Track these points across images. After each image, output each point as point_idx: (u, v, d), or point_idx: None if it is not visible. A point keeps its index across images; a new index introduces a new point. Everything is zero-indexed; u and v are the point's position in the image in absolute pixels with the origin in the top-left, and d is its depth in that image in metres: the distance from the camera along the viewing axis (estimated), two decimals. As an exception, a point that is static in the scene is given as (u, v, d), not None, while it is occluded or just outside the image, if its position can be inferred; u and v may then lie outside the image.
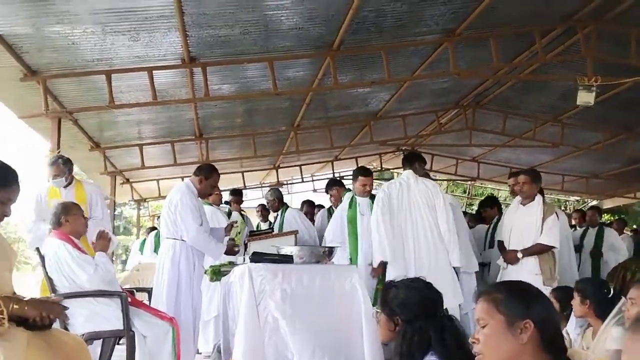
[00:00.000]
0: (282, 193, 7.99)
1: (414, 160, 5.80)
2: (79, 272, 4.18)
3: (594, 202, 15.22)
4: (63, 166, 5.53)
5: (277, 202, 7.55)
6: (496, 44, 6.46)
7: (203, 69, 6.19)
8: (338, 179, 9.33)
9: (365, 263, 5.51)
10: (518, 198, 5.59)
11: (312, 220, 8.10)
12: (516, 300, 1.88)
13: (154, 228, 10.99)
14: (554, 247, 5.29)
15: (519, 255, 5.30)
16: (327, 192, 7.53)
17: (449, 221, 5.42)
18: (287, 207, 7.64)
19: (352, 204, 5.84)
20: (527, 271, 5.19)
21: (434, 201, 5.45)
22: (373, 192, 5.87)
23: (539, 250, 5.27)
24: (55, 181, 5.50)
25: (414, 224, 5.40)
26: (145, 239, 10.34)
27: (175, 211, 5.02)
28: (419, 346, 2.49)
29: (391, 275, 5.03)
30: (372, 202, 5.67)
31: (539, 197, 5.48)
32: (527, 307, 1.86)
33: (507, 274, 5.40)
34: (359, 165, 7.76)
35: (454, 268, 5.38)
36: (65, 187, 5.55)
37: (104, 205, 5.92)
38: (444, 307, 2.72)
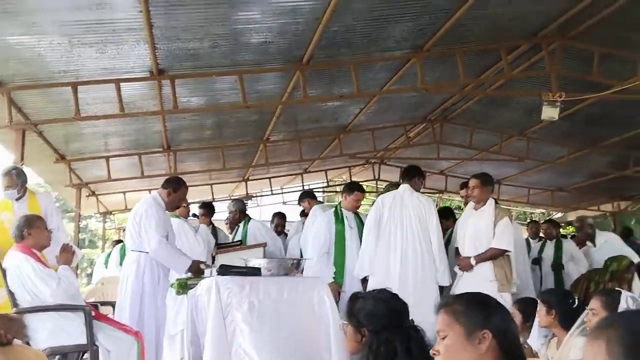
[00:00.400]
0: (245, 204, 7.93)
1: (413, 175, 5.80)
2: (41, 287, 4.13)
3: (559, 215, 15.51)
4: (16, 178, 5.34)
5: (239, 214, 7.50)
6: (463, 60, 6.58)
7: (172, 81, 6.18)
8: (310, 191, 9.36)
9: (352, 276, 5.58)
10: (471, 204, 5.54)
11: (284, 233, 8.10)
12: (475, 311, 1.93)
13: (119, 241, 10.89)
14: (507, 250, 5.21)
15: (472, 262, 5.25)
16: (299, 203, 7.54)
17: (440, 239, 5.46)
18: (250, 218, 7.63)
19: (340, 217, 5.84)
20: (482, 278, 5.12)
21: (426, 218, 5.46)
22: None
23: (492, 255, 5.19)
24: (7, 192, 5.31)
25: (403, 238, 5.38)
26: (110, 252, 10.22)
27: (140, 222, 4.97)
28: (385, 357, 2.52)
29: (372, 287, 5.04)
30: (357, 217, 5.85)
31: (491, 201, 5.43)
32: (485, 317, 1.91)
33: (463, 281, 5.35)
34: (351, 181, 7.66)
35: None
36: (17, 199, 5.37)
37: (59, 215, 5.76)
38: (410, 318, 2.76)
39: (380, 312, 2.66)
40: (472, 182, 5.46)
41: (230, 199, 14.50)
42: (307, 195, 7.75)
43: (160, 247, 4.90)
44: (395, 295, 2.85)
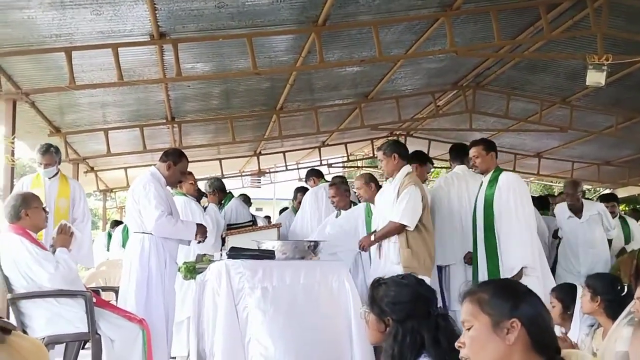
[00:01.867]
0: (222, 182, 8.02)
1: (464, 154, 5.86)
2: (38, 271, 4.20)
3: (607, 191, 15.39)
4: (55, 156, 5.93)
5: (218, 193, 7.57)
6: (497, 19, 6.50)
7: (174, 45, 6.18)
8: (317, 169, 9.32)
9: None
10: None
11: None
12: (501, 299, 1.94)
13: (118, 222, 11.07)
14: (405, 225, 4.95)
15: (371, 237, 5.14)
16: (306, 181, 7.62)
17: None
18: (232, 196, 7.70)
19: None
20: (389, 260, 4.99)
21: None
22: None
23: (388, 230, 4.99)
24: (46, 170, 5.89)
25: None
26: (110, 233, 10.39)
27: (138, 201, 5.02)
28: (411, 348, 2.53)
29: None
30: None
31: (405, 169, 5.21)
32: (513, 305, 1.92)
33: (374, 265, 5.27)
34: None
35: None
36: (50, 178, 5.88)
37: (87, 205, 6.06)
38: (438, 306, 2.78)
39: (406, 299, 2.66)
40: (474, 151, 5.35)
41: (241, 176, 14.67)
42: (313, 174, 7.84)
43: (160, 222, 4.91)
44: (421, 280, 2.85)
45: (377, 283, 2.82)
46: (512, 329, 1.88)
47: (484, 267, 5.10)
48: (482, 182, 5.39)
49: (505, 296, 1.95)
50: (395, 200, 5.00)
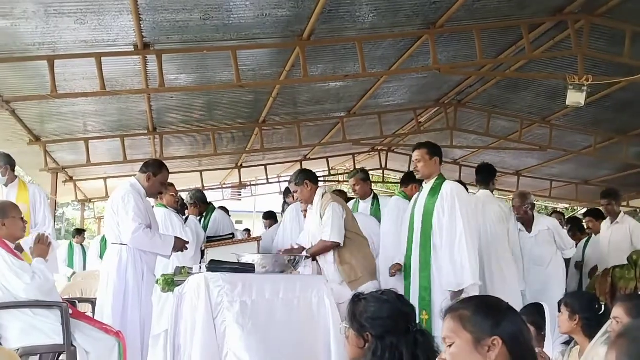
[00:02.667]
0: (204, 194, 7.95)
1: (491, 178, 6.01)
2: (13, 281, 4.14)
3: (584, 210, 15.54)
4: (1, 160, 5.66)
5: (200, 205, 7.54)
6: (480, 37, 6.58)
7: (158, 56, 6.17)
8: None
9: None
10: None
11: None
12: (483, 316, 1.95)
13: (80, 230, 10.98)
14: (336, 242, 4.94)
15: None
16: (285, 198, 7.76)
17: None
18: (214, 208, 7.69)
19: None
20: (334, 282, 4.90)
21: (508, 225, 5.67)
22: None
23: (321, 248, 5.00)
24: None
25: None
26: (72, 244, 10.31)
27: (117, 211, 4.98)
28: None
29: None
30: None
31: (319, 191, 5.23)
32: (494, 323, 1.93)
33: None
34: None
35: None
36: (5, 185, 5.66)
37: (48, 209, 5.95)
38: (417, 321, 2.77)
39: (385, 315, 2.64)
40: (417, 154, 4.97)
41: (222, 188, 14.63)
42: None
43: (136, 235, 4.86)
44: (401, 296, 2.84)
45: (357, 298, 2.80)
46: (494, 346, 1.89)
47: (417, 280, 4.88)
48: (421, 189, 5.15)
49: (487, 313, 1.96)
50: (321, 223, 5.03)
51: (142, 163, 5.44)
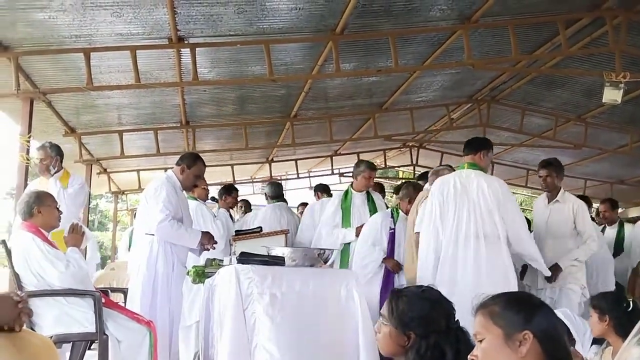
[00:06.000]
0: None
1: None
2: (48, 269, 4.22)
3: (620, 210, 15.29)
4: (50, 150, 5.85)
5: (227, 198, 7.64)
6: (515, 33, 6.50)
7: (192, 50, 6.22)
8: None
9: None
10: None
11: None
12: (513, 311, 1.94)
13: None
14: None
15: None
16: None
17: None
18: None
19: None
20: None
21: None
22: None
23: None
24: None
25: None
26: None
27: (148, 202, 5.02)
28: None
29: None
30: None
31: None
32: (525, 318, 1.92)
33: None
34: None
35: None
36: (52, 175, 5.83)
37: (77, 198, 6.02)
38: (456, 319, 2.73)
39: (431, 315, 2.61)
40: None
41: (252, 182, 14.69)
42: (319, 188, 8.29)
43: (162, 226, 4.89)
44: (440, 293, 2.82)
45: (397, 295, 2.74)
46: (525, 341, 1.88)
47: None
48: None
49: (518, 308, 1.95)
50: None
51: (174, 155, 5.49)
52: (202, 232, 5.19)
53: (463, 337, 2.56)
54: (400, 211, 5.90)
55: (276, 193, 7.96)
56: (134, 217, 10.06)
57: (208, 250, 5.23)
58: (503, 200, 4.71)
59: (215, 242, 5.21)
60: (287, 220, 7.56)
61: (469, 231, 4.66)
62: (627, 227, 7.44)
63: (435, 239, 4.76)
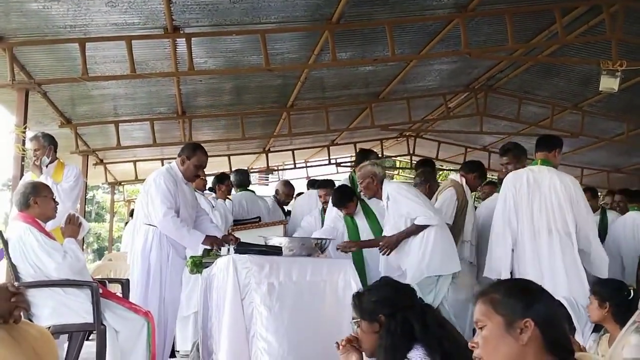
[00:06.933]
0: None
1: None
2: (45, 260, 4.21)
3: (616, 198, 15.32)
4: (42, 140, 5.79)
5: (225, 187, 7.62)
6: (512, 21, 6.48)
7: (187, 40, 6.20)
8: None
9: None
10: None
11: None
12: (514, 299, 1.94)
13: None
14: None
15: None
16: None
17: None
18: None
19: None
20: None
21: None
22: None
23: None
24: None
25: None
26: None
27: (148, 192, 5.00)
28: (402, 338, 2.65)
29: None
30: None
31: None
32: (526, 305, 1.91)
33: None
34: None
35: None
36: (46, 165, 5.77)
37: (71, 184, 5.98)
38: (419, 297, 2.94)
39: (390, 294, 2.84)
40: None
41: (249, 172, 14.68)
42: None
43: (166, 220, 4.85)
44: (397, 281, 3.07)
45: (358, 294, 2.98)
46: (526, 328, 1.88)
47: None
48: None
49: (518, 296, 1.95)
50: None
51: (170, 146, 5.47)
52: (207, 235, 5.02)
53: (430, 311, 2.77)
54: None
55: (241, 181, 7.94)
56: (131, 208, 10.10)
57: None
58: (575, 198, 4.81)
59: (223, 245, 5.10)
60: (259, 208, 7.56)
61: (541, 225, 4.77)
62: (610, 213, 7.47)
63: (510, 232, 4.87)
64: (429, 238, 5.01)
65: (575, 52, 7.87)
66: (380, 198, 5.28)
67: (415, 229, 5.03)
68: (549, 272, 4.66)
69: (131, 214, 11.17)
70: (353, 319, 2.92)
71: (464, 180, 5.73)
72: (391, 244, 5.10)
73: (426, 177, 6.22)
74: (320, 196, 6.88)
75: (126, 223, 10.78)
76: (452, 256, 5.12)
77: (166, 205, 4.86)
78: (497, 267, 4.85)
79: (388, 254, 5.16)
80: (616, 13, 6.53)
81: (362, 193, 5.52)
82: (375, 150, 13.65)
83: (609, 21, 6.54)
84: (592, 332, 4.11)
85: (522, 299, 1.93)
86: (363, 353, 2.87)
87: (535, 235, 4.77)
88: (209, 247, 4.97)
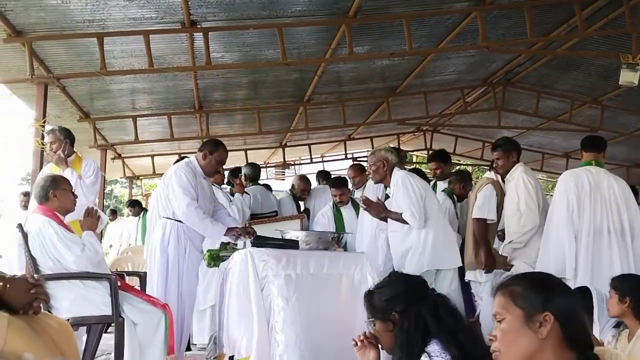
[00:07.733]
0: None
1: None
2: (64, 253, 4.25)
3: (635, 195, 15.17)
4: (58, 134, 5.77)
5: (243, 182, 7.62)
6: (531, 15, 6.43)
7: (205, 34, 6.21)
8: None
9: None
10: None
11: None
12: (534, 292, 1.92)
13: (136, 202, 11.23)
14: None
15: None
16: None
17: None
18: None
19: None
20: None
21: None
22: None
23: None
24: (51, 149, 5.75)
25: None
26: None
27: (168, 185, 5.02)
28: (417, 333, 2.61)
29: None
30: None
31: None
32: (546, 299, 1.89)
33: None
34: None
35: None
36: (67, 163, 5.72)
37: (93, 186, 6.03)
38: (432, 287, 2.93)
39: (401, 290, 2.80)
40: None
41: (265, 167, 14.72)
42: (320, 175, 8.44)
43: (189, 211, 4.87)
44: (406, 274, 3.08)
45: (369, 293, 2.94)
46: (545, 322, 1.86)
47: None
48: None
49: (539, 289, 1.93)
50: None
51: (188, 140, 5.49)
52: (229, 227, 5.04)
53: (442, 302, 2.72)
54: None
55: (255, 175, 7.95)
56: (149, 201, 10.14)
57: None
58: (629, 199, 4.93)
59: (244, 236, 5.09)
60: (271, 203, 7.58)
61: (603, 226, 4.86)
62: None
63: (573, 232, 4.90)
64: (428, 232, 5.05)
65: (594, 46, 7.79)
66: (388, 185, 5.32)
67: (402, 220, 5.08)
68: (607, 271, 4.68)
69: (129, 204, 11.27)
70: (367, 318, 2.90)
71: (499, 177, 5.74)
72: (379, 211, 5.19)
73: (462, 177, 6.60)
74: (335, 196, 6.80)
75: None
76: (452, 251, 5.23)
77: (189, 197, 4.89)
78: (557, 267, 4.84)
79: (370, 214, 5.29)
80: (636, 6, 6.46)
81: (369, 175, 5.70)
82: (391, 145, 13.71)
83: (629, 14, 6.47)
84: (612, 327, 4.08)
85: (542, 292, 1.92)
86: (380, 349, 2.86)
87: (596, 235, 4.85)
88: (227, 241, 4.99)
